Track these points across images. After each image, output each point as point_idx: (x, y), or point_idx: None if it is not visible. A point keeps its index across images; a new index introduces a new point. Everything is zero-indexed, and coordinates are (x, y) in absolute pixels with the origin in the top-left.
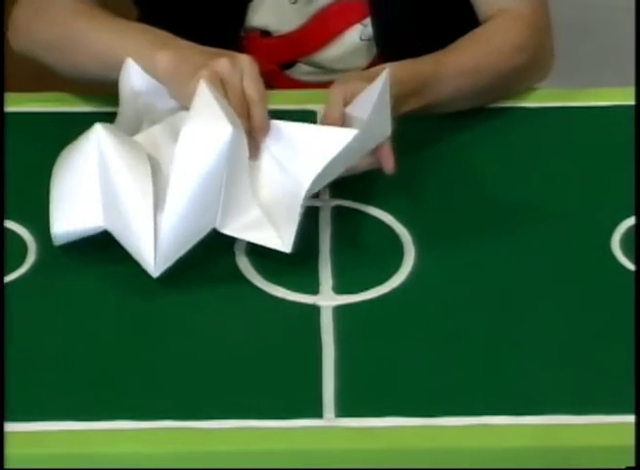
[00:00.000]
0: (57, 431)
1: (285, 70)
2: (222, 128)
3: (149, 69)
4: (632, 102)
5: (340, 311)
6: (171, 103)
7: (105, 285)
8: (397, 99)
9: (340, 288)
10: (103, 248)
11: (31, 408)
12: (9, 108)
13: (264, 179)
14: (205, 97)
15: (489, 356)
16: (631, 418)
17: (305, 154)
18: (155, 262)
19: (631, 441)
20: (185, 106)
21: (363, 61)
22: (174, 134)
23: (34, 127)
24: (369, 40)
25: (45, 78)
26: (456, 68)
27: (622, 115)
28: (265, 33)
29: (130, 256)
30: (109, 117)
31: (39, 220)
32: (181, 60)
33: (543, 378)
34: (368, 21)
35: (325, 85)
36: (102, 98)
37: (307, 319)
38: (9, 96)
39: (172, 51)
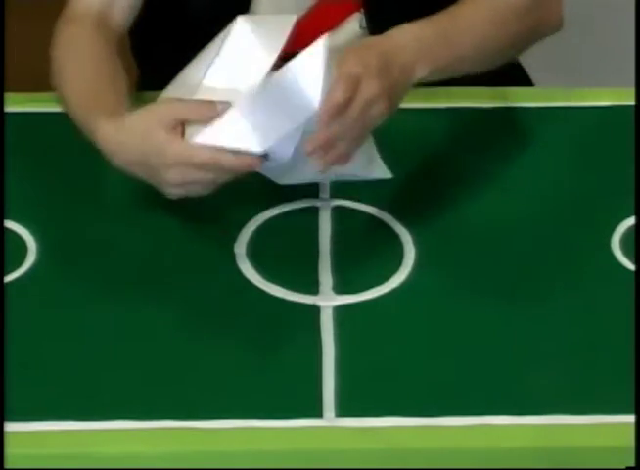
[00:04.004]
0: (57, 431)
1: (285, 61)
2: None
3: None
4: (632, 102)
5: (340, 311)
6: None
7: (105, 285)
8: (418, 55)
9: (340, 288)
10: (102, 248)
11: (31, 408)
12: (9, 108)
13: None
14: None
15: (489, 356)
16: (631, 418)
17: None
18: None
19: (631, 441)
20: None
21: None
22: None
23: (34, 127)
24: (369, 28)
25: (45, 78)
26: (472, 20)
27: (622, 115)
28: None
29: (130, 256)
30: None
31: (39, 220)
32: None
33: (543, 378)
34: None
35: None
36: None
37: (307, 319)
38: (9, 96)
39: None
